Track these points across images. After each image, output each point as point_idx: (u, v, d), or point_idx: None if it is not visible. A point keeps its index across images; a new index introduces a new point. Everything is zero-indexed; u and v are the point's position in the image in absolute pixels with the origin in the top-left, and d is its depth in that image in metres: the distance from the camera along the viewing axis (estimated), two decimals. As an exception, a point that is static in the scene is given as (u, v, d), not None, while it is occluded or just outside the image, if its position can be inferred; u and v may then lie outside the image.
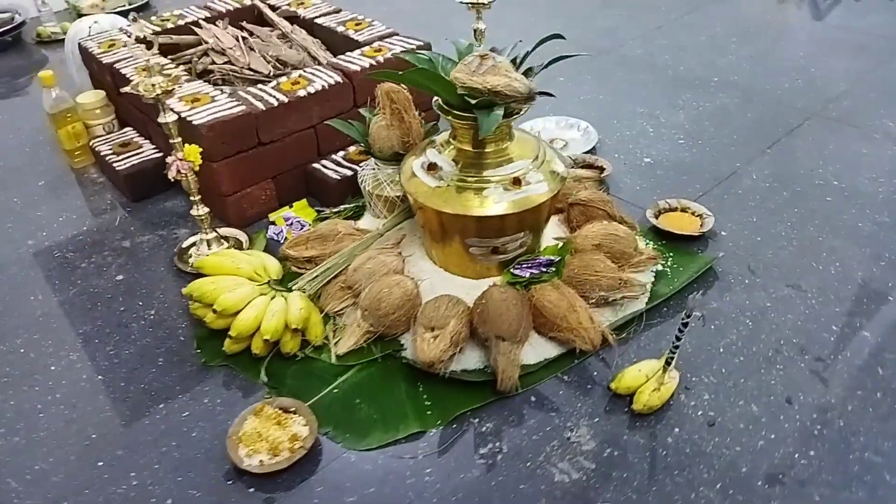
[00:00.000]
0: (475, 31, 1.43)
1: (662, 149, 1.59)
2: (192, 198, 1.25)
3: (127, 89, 1.09)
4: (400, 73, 1.00)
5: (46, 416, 1.04)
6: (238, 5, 1.83)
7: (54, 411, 1.05)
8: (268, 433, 0.96)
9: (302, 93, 1.38)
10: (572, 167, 1.47)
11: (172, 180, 1.21)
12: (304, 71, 1.46)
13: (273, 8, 1.82)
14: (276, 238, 1.36)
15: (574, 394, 1.02)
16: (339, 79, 1.43)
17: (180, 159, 1.19)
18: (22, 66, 2.26)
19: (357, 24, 1.67)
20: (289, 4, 1.81)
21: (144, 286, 1.28)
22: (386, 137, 1.25)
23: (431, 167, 1.11)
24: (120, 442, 1.00)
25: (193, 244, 1.33)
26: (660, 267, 1.22)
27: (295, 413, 0.99)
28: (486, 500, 0.89)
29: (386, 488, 0.91)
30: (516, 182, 1.07)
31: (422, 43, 1.56)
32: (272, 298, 1.12)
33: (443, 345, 1.01)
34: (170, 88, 1.13)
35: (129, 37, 1.67)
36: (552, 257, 1.17)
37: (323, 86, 1.40)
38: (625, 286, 1.11)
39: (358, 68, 1.46)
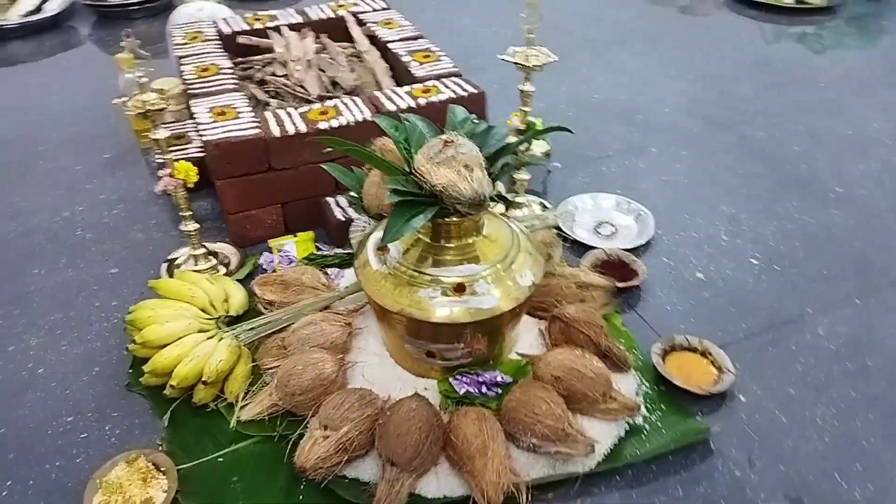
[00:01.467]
0: (521, 92, 1.29)
1: (726, 265, 1.33)
2: (181, 213, 1.25)
3: (116, 102, 1.09)
4: (326, 149, 0.90)
5: (-26, 398, 1.09)
6: (332, 15, 1.81)
7: (-16, 395, 1.10)
8: (128, 487, 0.91)
9: (323, 125, 1.32)
10: (595, 267, 1.27)
11: (159, 194, 1.20)
12: (342, 100, 1.40)
13: (361, 23, 1.78)
14: (265, 267, 1.32)
15: (455, 552, 0.87)
16: (368, 116, 1.35)
17: (170, 175, 1.18)
18: (160, 34, 2.42)
19: (425, 56, 1.57)
20: (376, 23, 1.75)
21: (129, 286, 1.30)
22: (374, 195, 1.14)
23: (382, 248, 0.99)
24: (16, 445, 1.01)
25: (181, 257, 1.33)
26: (640, 420, 1.01)
27: (164, 474, 0.94)
28: None
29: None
30: (459, 289, 0.93)
31: (475, 91, 1.43)
32: (209, 338, 1.08)
33: (324, 450, 0.90)
34: (160, 108, 1.11)
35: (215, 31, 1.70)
36: (504, 377, 1.00)
37: (348, 121, 1.33)
38: (565, 440, 0.92)
39: (394, 107, 1.37)
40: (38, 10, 2.46)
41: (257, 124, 1.31)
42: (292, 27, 1.74)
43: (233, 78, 1.49)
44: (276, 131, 1.29)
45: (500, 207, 1.27)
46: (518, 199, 1.41)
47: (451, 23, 2.41)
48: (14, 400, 1.08)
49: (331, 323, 1.08)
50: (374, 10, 1.83)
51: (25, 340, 1.19)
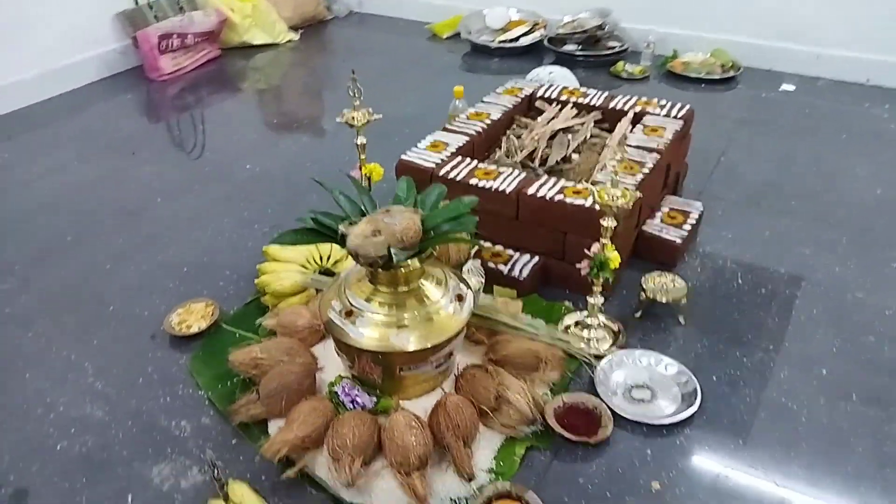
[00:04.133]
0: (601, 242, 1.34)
1: None
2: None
3: (345, 112, 1.62)
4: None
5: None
6: (626, 109, 1.96)
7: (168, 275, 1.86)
8: (193, 313, 1.54)
9: (475, 182, 1.60)
10: (564, 406, 1.25)
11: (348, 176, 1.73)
12: (518, 171, 1.64)
13: (637, 120, 1.88)
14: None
15: None
16: (509, 189, 1.57)
17: (359, 168, 1.69)
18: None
19: (626, 168, 1.63)
20: (646, 126, 1.83)
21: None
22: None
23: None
24: (187, 279, 1.74)
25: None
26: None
27: (210, 317, 1.51)
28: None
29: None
30: (347, 314, 1.18)
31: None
32: (299, 272, 1.58)
33: (251, 356, 1.32)
34: (362, 123, 1.60)
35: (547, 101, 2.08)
36: (366, 402, 1.22)
37: (493, 187, 1.58)
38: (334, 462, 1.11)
39: (533, 191, 1.55)
40: (516, 39, 3.21)
41: (441, 161, 1.69)
42: (578, 106, 1.98)
43: (486, 127, 1.86)
44: (443, 171, 1.65)
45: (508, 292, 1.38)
46: (586, 319, 1.44)
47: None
48: (206, 259, 1.81)
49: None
50: (662, 116, 1.90)
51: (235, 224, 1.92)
